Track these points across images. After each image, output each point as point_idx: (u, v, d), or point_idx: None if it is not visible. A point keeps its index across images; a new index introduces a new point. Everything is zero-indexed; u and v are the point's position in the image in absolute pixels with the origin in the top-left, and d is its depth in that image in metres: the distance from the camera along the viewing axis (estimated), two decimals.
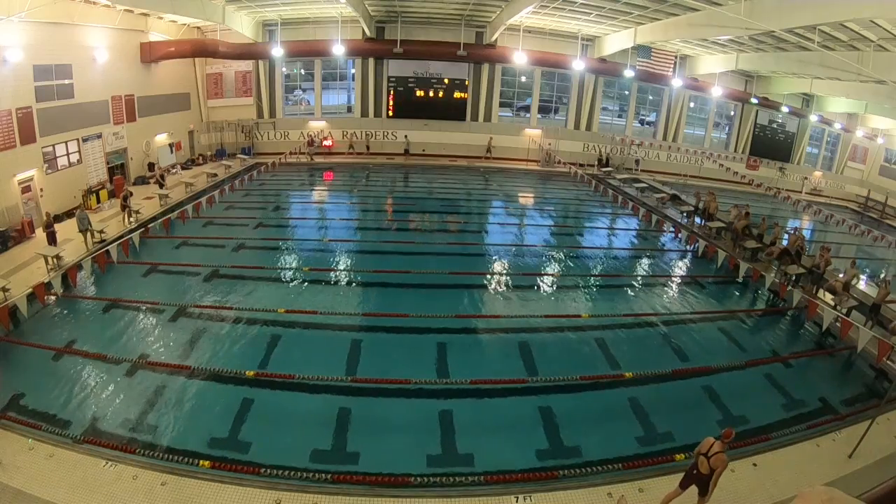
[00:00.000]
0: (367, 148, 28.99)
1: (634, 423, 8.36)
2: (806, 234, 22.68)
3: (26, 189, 15.72)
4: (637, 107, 31.77)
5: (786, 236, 17.18)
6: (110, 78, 19.45)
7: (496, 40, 26.76)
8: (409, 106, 28.69)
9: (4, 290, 11.09)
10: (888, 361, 10.05)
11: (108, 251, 13.18)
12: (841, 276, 13.23)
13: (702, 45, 25.45)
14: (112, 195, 18.69)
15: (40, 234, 14.92)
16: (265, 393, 8.63)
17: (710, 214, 19.43)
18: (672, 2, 17.95)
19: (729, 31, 17.34)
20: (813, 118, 31.64)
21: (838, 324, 11.28)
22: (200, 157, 26.40)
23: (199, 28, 25.09)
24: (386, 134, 29.25)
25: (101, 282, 12.92)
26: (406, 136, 28.89)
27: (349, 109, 29.89)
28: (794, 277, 14.27)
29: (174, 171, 23.46)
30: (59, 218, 15.74)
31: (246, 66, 27.36)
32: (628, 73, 26.93)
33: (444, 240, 17.11)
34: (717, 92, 28.18)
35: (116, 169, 20.43)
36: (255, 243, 16.34)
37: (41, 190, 16.22)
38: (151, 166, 22.36)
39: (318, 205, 22.71)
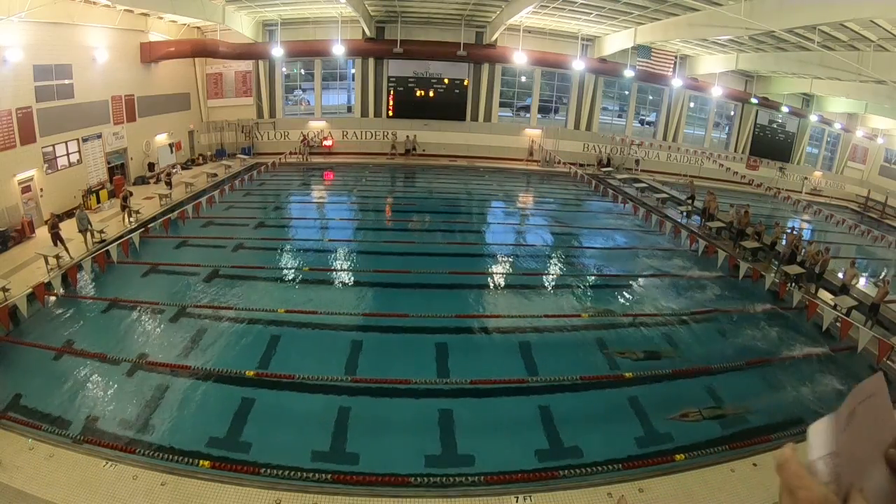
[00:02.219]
0: (415, 149, 28.72)
1: (634, 423, 8.35)
2: (806, 234, 22.65)
3: (26, 189, 15.72)
4: (637, 107, 31.71)
5: (784, 236, 17.18)
6: (110, 78, 19.44)
7: (496, 40, 26.72)
8: (409, 106, 28.65)
9: (4, 290, 11.08)
10: (888, 361, 10.06)
11: (108, 251, 13.18)
12: (841, 275, 13.24)
13: (702, 45, 25.44)
14: (112, 195, 18.67)
15: (40, 234, 14.91)
16: (265, 393, 8.63)
17: (710, 214, 19.44)
18: (672, 2, 17.94)
19: (729, 31, 17.34)
20: (813, 118, 31.61)
21: (838, 324, 11.29)
22: (200, 157, 26.38)
23: (199, 28, 25.08)
24: (385, 134, 29.22)
25: (101, 282, 12.91)
26: (406, 136, 28.85)
27: (349, 109, 29.85)
28: (794, 277, 14.28)
29: (174, 171, 23.42)
30: (59, 218, 15.71)
31: (246, 66, 27.32)
32: (628, 73, 26.89)
33: (444, 239, 17.11)
34: (717, 92, 28.14)
35: (116, 169, 20.41)
36: (255, 243, 16.31)
37: (41, 190, 16.22)
38: (151, 166, 22.37)
39: (317, 205, 22.70)
